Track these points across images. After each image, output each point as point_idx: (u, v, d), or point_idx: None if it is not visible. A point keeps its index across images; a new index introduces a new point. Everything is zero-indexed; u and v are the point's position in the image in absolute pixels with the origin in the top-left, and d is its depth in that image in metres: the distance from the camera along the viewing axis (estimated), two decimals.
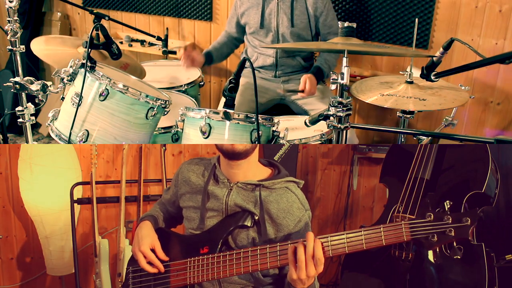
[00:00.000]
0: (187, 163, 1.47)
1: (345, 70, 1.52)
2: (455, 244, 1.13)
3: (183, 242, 1.38)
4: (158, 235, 1.41)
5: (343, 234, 1.16)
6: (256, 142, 1.65)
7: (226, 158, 1.34)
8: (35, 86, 1.99)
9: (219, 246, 1.30)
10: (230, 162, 1.34)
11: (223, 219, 1.33)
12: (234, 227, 1.31)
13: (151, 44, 3.37)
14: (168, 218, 1.54)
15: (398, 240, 1.14)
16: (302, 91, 2.47)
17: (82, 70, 1.79)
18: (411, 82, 2.06)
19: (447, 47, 1.93)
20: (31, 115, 2.17)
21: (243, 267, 1.23)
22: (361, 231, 1.16)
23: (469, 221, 1.10)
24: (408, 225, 1.13)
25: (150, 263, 1.36)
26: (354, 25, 1.77)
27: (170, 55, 3.22)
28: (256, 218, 1.30)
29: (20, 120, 2.15)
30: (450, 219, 1.11)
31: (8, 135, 2.83)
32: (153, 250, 1.37)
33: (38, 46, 2.19)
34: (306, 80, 2.46)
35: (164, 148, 2.70)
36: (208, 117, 1.67)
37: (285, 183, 1.35)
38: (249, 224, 1.30)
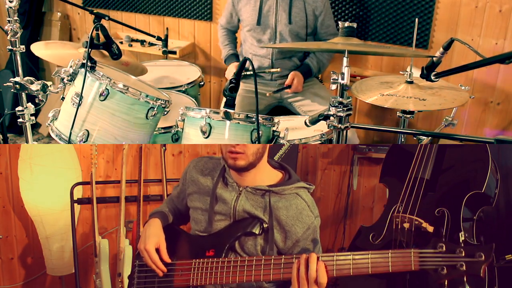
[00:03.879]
0: (195, 161, 1.43)
1: (345, 70, 1.52)
2: (465, 279, 1.04)
3: (190, 242, 1.37)
4: (166, 232, 1.39)
5: (350, 255, 1.12)
6: (256, 142, 1.65)
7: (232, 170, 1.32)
8: (35, 86, 1.99)
9: (225, 251, 1.28)
10: None
11: (232, 223, 1.31)
12: (241, 234, 1.29)
13: (151, 44, 3.37)
14: (177, 215, 1.51)
15: (405, 268, 1.09)
16: (289, 87, 2.58)
17: (82, 70, 1.79)
18: (411, 82, 2.06)
19: (447, 47, 1.93)
20: (31, 115, 2.17)
21: (246, 276, 1.22)
22: (368, 254, 1.12)
23: (483, 256, 1.01)
24: (417, 254, 1.08)
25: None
26: (355, 25, 1.78)
27: (170, 55, 3.22)
28: (265, 226, 1.28)
29: (20, 120, 2.15)
30: (463, 252, 1.03)
31: (8, 135, 2.82)
32: (158, 250, 1.35)
33: (38, 50, 2.19)
34: (293, 77, 2.56)
35: (164, 148, 2.70)
36: (209, 117, 1.67)
37: (296, 189, 1.32)
38: (257, 232, 1.27)
